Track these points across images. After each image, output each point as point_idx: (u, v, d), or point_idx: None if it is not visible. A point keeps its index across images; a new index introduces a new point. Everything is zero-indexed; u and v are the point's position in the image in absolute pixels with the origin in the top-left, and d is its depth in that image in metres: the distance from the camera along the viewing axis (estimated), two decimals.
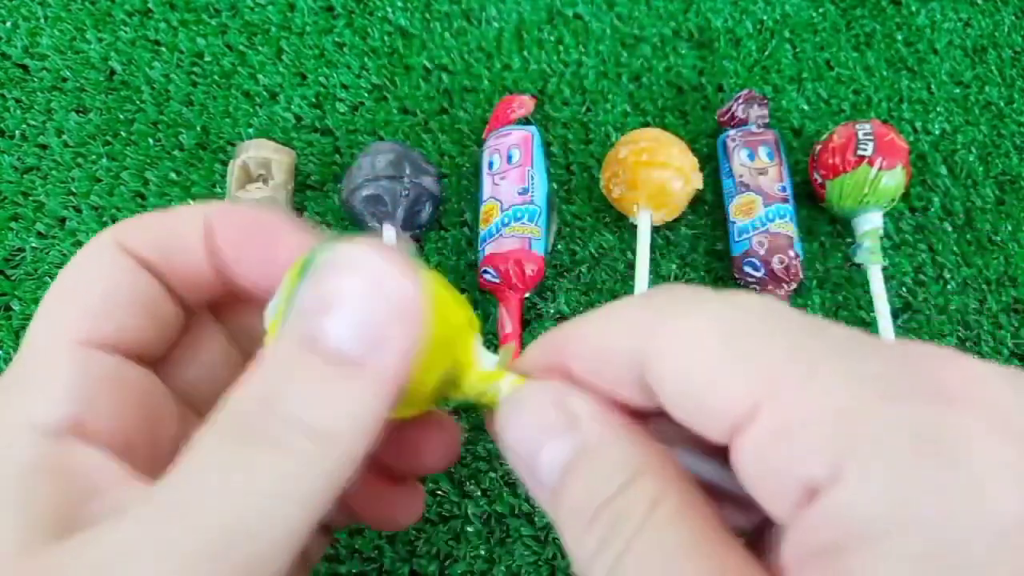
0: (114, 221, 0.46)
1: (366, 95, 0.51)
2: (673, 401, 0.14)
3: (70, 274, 0.17)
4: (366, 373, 0.14)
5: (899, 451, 0.11)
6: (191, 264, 0.18)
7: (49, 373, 0.16)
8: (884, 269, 0.45)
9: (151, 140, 0.49)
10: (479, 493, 0.39)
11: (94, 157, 0.48)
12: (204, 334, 0.20)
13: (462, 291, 0.45)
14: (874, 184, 0.44)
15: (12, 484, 0.14)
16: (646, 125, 0.51)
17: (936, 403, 0.12)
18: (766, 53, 0.54)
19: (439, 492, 0.39)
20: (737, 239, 0.45)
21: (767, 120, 0.48)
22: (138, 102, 0.50)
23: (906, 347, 0.13)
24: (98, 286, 0.17)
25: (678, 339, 0.14)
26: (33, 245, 0.45)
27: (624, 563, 0.13)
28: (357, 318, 0.14)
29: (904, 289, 0.46)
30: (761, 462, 0.13)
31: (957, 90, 0.54)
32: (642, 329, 0.14)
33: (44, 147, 0.48)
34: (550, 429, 0.15)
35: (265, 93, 0.51)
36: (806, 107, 0.52)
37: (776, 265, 0.43)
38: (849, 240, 0.47)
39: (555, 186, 0.49)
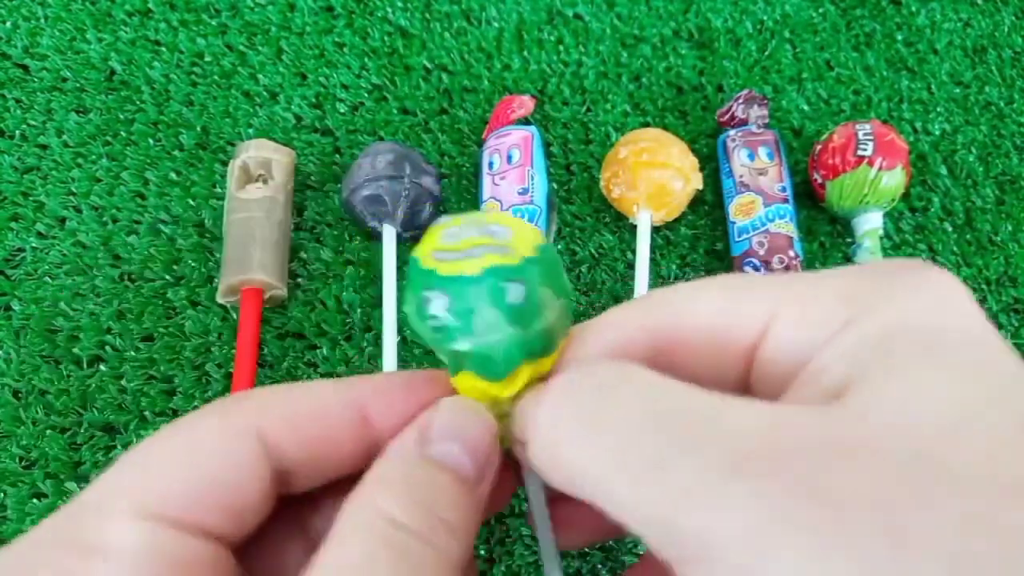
0: (114, 221, 0.46)
1: (366, 95, 0.51)
2: (701, 340, 0.17)
3: (182, 442, 0.16)
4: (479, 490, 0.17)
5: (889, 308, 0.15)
6: (335, 452, 0.18)
7: (113, 542, 0.15)
8: None
9: (151, 140, 0.49)
10: None
11: (94, 157, 0.48)
12: (284, 518, 0.19)
13: None
14: (874, 184, 0.44)
15: None
16: (646, 125, 0.51)
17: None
18: (766, 53, 0.54)
19: None
20: (737, 239, 0.45)
21: (767, 120, 0.48)
22: (138, 102, 0.50)
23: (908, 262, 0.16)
24: (207, 469, 0.16)
25: (693, 299, 0.17)
26: (33, 245, 0.45)
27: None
28: (476, 452, 0.17)
29: None
30: (779, 351, 0.16)
31: (957, 90, 0.54)
32: (664, 300, 0.18)
33: (44, 147, 0.48)
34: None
35: (265, 93, 0.51)
36: (806, 107, 0.52)
37: (776, 265, 0.43)
38: (849, 240, 0.47)
39: (555, 186, 0.49)
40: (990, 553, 0.11)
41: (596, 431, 0.15)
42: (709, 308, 0.16)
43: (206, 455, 0.16)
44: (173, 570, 0.15)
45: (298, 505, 0.19)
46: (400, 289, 0.43)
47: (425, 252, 0.18)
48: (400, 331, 0.43)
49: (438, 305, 0.17)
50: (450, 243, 0.17)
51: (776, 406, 0.14)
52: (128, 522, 0.15)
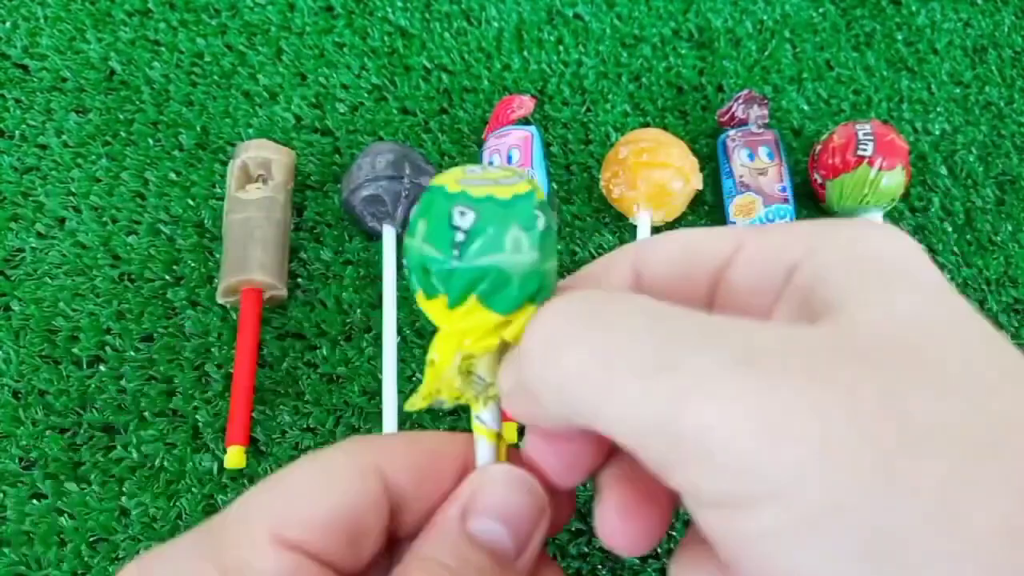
0: (114, 221, 0.46)
1: (366, 95, 0.51)
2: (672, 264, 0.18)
3: (314, 471, 0.17)
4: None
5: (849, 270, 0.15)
6: (437, 499, 0.18)
7: (256, 564, 0.16)
8: None
9: (151, 140, 0.49)
10: None
11: (94, 157, 0.48)
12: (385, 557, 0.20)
13: None
14: (874, 184, 0.44)
15: None
16: (646, 125, 0.51)
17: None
18: (766, 53, 0.54)
19: None
20: None
21: (767, 120, 0.48)
22: (138, 102, 0.50)
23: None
24: (335, 500, 0.17)
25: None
26: (33, 245, 0.45)
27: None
28: (519, 529, 0.18)
29: None
30: (751, 270, 0.17)
31: (957, 90, 0.54)
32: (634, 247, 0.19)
33: (44, 147, 0.48)
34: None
35: (265, 93, 0.51)
36: (806, 107, 0.52)
37: None
38: None
39: (555, 186, 0.49)
40: (987, 438, 0.12)
41: (601, 329, 0.15)
42: (676, 245, 0.18)
43: (340, 490, 0.17)
44: None
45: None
46: (400, 289, 0.43)
47: (450, 180, 0.18)
48: (400, 331, 0.43)
49: (468, 219, 0.17)
50: (476, 174, 0.18)
51: (772, 322, 0.15)
52: (269, 547, 0.16)
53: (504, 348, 0.18)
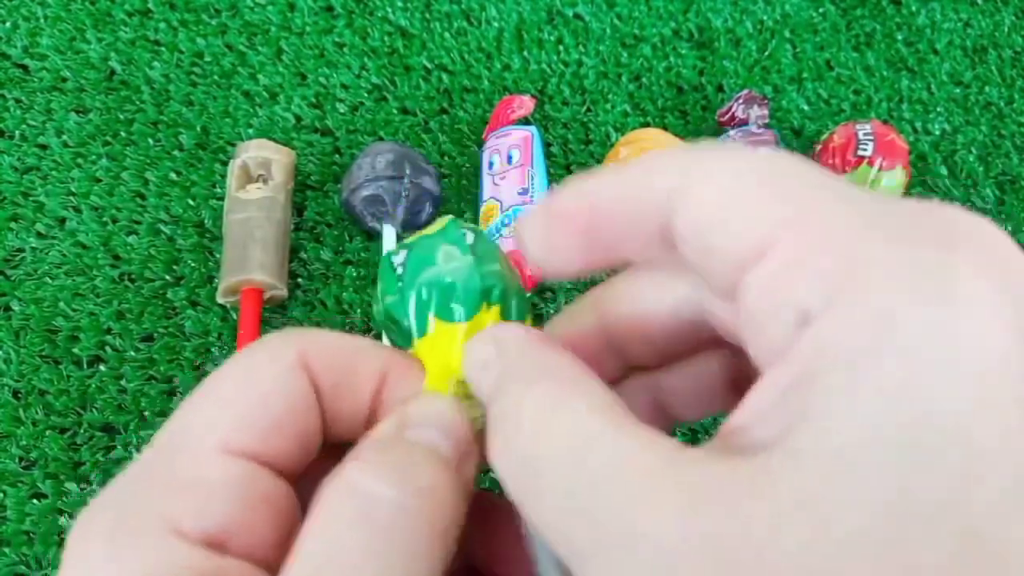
0: (114, 221, 0.46)
1: (366, 95, 0.51)
2: (689, 243, 0.14)
3: (243, 376, 0.17)
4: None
5: (891, 286, 0.12)
6: (352, 404, 0.18)
7: (200, 479, 0.15)
8: None
9: (151, 140, 0.49)
10: None
11: (94, 157, 0.48)
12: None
13: None
14: (874, 184, 0.44)
15: None
16: (646, 125, 0.51)
17: (939, 247, 0.12)
18: (766, 53, 0.54)
19: None
20: None
21: (767, 120, 0.48)
22: (138, 102, 0.50)
23: (925, 203, 0.13)
24: (271, 402, 0.16)
25: (704, 180, 0.14)
26: (33, 245, 0.45)
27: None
28: (456, 437, 0.17)
29: None
30: (762, 297, 0.13)
31: (957, 90, 0.54)
32: (674, 171, 0.15)
33: (44, 147, 0.48)
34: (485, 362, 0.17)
35: (265, 93, 0.51)
36: (806, 107, 0.52)
37: None
38: None
39: (555, 186, 0.49)
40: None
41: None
42: (709, 203, 0.14)
43: (269, 390, 0.16)
44: (261, 504, 0.16)
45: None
46: None
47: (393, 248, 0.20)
48: None
49: (403, 255, 0.18)
50: (412, 237, 0.20)
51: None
52: (215, 458, 0.15)
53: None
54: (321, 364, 0.17)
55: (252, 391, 0.16)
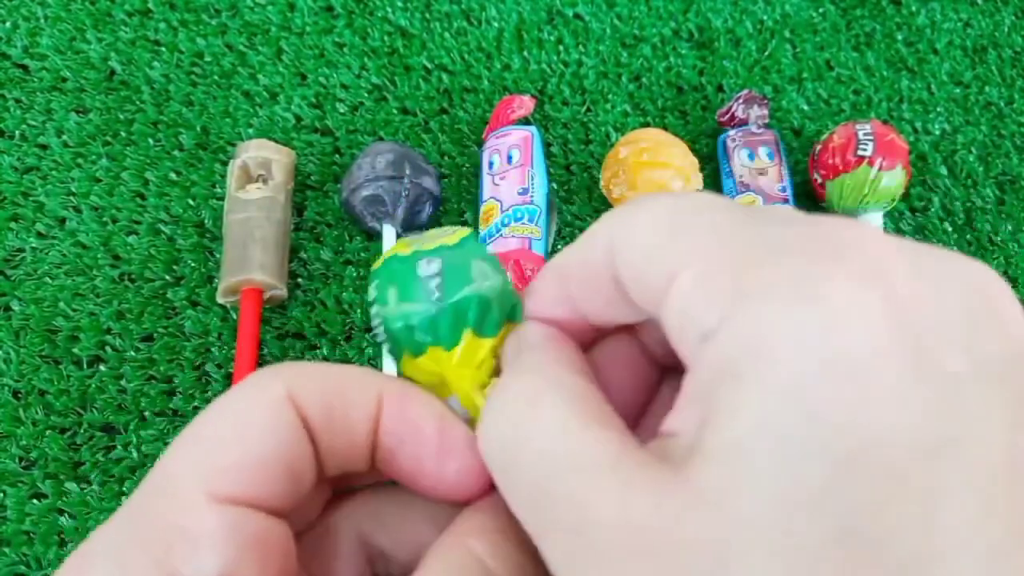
0: (114, 221, 0.46)
1: (366, 95, 0.51)
2: (630, 287, 0.16)
3: (229, 419, 0.17)
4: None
5: (770, 298, 0.13)
6: (348, 437, 0.18)
7: (191, 528, 0.15)
8: None
9: (151, 140, 0.49)
10: None
11: (94, 157, 0.48)
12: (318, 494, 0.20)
13: None
14: (874, 184, 0.44)
15: None
16: (646, 125, 0.51)
17: (816, 259, 0.13)
18: (766, 53, 0.54)
19: None
20: None
21: (767, 120, 0.48)
22: (138, 102, 0.50)
23: (815, 219, 0.14)
24: (258, 444, 0.16)
25: (628, 235, 0.16)
26: (33, 245, 0.45)
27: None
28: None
29: None
30: (672, 320, 0.14)
31: (957, 90, 0.54)
32: (606, 234, 0.17)
33: (44, 147, 0.48)
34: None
35: (265, 93, 0.51)
36: (806, 107, 0.52)
37: None
38: None
39: (555, 186, 0.49)
40: None
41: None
42: (638, 247, 0.16)
43: (256, 432, 0.16)
44: (254, 550, 0.16)
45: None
46: None
47: (397, 249, 0.19)
48: None
49: (434, 266, 0.19)
50: (415, 238, 0.20)
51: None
52: (206, 506, 0.15)
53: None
54: (310, 399, 0.17)
55: (238, 434, 0.16)
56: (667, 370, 0.19)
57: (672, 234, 0.15)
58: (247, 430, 0.16)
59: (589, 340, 0.19)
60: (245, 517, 0.16)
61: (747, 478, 0.12)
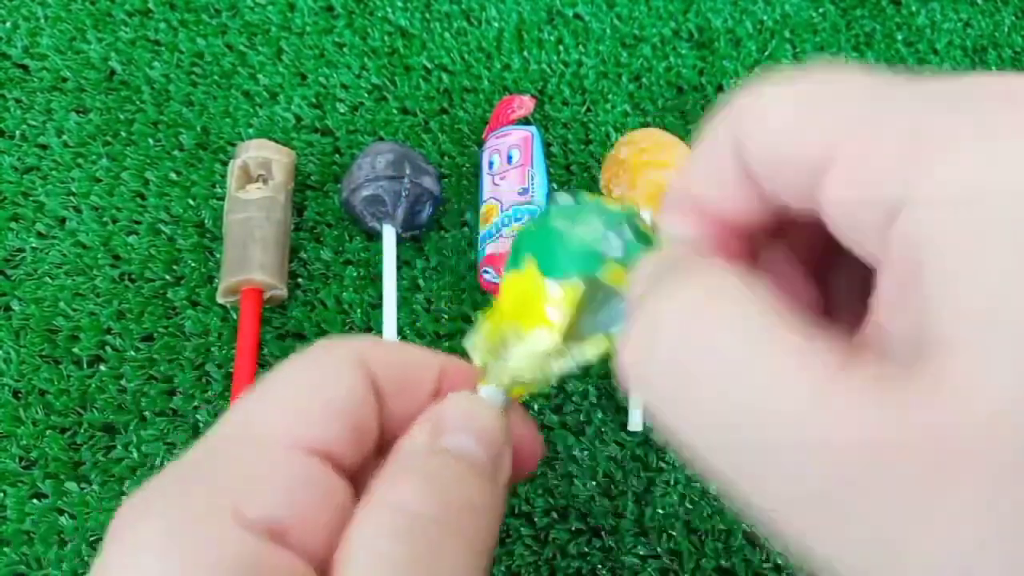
0: (114, 221, 0.46)
1: (366, 95, 0.51)
2: (765, 171, 0.14)
3: (306, 375, 0.17)
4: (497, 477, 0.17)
5: (962, 155, 0.11)
6: (411, 404, 0.18)
7: (267, 471, 0.15)
8: None
9: (151, 140, 0.49)
10: None
11: (94, 157, 0.48)
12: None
13: (462, 291, 0.45)
14: None
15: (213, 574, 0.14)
16: (646, 125, 0.51)
17: (998, 105, 0.11)
18: (766, 53, 0.54)
19: None
20: None
21: None
22: (138, 102, 0.50)
23: (978, 75, 0.13)
24: (334, 399, 0.16)
25: (760, 108, 0.14)
26: (33, 245, 0.45)
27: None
28: (489, 443, 0.17)
29: None
30: (842, 204, 0.13)
31: None
32: (732, 112, 0.15)
33: (44, 147, 0.48)
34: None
35: (265, 93, 0.51)
36: None
37: None
38: None
39: (555, 186, 0.49)
40: None
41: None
42: (771, 131, 0.14)
43: (332, 387, 0.17)
44: (323, 499, 0.16)
45: None
46: (400, 289, 0.43)
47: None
48: (400, 331, 0.43)
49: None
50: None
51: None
52: (286, 454, 0.16)
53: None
54: (380, 364, 0.17)
55: (316, 388, 0.17)
56: (819, 272, 0.17)
57: (812, 110, 0.13)
58: (325, 386, 0.17)
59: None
60: (319, 468, 0.16)
61: (997, 364, 0.10)
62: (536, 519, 0.39)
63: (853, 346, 0.12)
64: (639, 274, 0.16)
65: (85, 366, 0.42)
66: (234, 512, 0.14)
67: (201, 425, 0.41)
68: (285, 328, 0.44)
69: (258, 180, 0.45)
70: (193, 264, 0.45)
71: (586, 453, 0.40)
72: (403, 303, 0.43)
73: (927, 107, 0.12)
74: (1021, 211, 0.10)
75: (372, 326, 0.44)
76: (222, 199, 0.47)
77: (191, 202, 0.47)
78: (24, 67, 0.51)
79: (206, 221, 0.46)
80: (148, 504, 0.15)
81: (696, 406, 0.13)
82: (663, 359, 0.13)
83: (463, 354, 0.20)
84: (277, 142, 0.47)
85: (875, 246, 0.12)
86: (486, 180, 0.46)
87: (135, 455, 0.40)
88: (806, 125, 0.13)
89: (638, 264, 0.17)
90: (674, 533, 0.39)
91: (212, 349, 0.43)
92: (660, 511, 0.39)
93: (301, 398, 0.16)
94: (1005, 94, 0.11)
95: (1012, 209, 0.10)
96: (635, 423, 0.41)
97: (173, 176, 0.48)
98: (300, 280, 0.45)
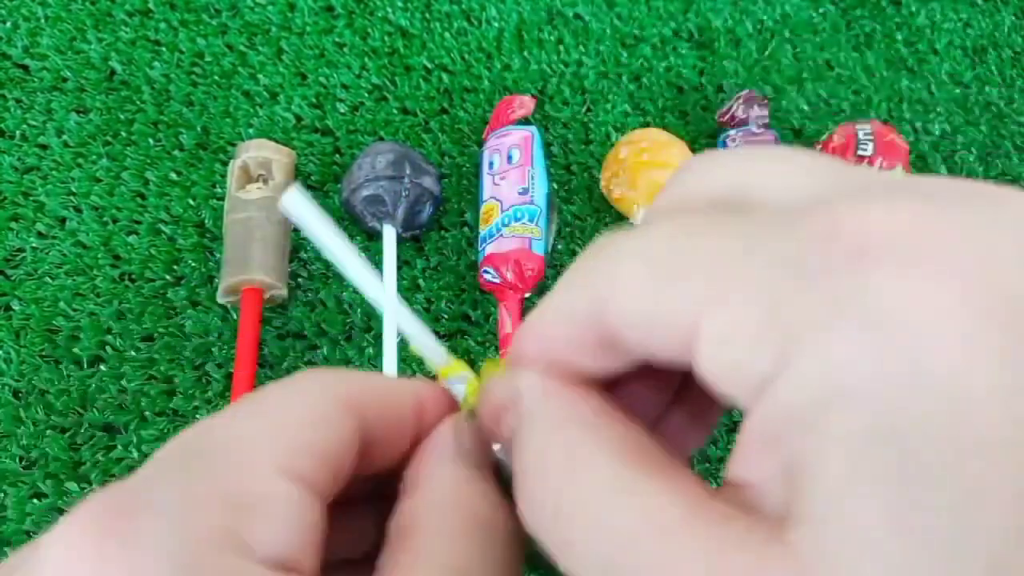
0: (114, 221, 0.46)
1: (366, 95, 0.51)
2: (633, 342, 0.14)
3: (297, 403, 0.17)
4: None
5: (825, 328, 0.11)
6: (396, 439, 0.18)
7: (265, 499, 0.15)
8: None
9: (151, 140, 0.49)
10: None
11: (94, 157, 0.48)
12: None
13: (461, 291, 0.45)
14: None
15: None
16: (646, 125, 0.51)
17: (850, 270, 0.11)
18: (766, 53, 0.54)
19: None
20: None
21: (767, 120, 0.48)
22: (138, 102, 0.50)
23: (821, 214, 0.12)
24: (324, 431, 0.16)
25: (614, 284, 0.14)
26: (33, 245, 0.45)
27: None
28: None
29: None
30: (714, 369, 0.13)
31: (957, 90, 0.54)
32: (592, 280, 0.15)
33: (44, 147, 0.48)
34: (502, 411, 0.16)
35: (265, 93, 0.51)
36: (806, 107, 0.52)
37: None
38: None
39: (555, 186, 0.49)
40: None
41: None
42: (635, 298, 0.14)
43: (328, 423, 0.17)
44: (313, 530, 0.16)
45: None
46: (401, 289, 0.43)
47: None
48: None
49: None
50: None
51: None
52: (274, 476, 0.15)
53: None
54: (371, 413, 0.18)
55: (313, 421, 0.16)
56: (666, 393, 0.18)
57: (672, 274, 0.13)
58: (315, 418, 0.17)
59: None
60: (309, 498, 0.16)
61: (858, 541, 0.10)
62: None
63: (710, 493, 0.13)
64: (494, 399, 0.17)
65: (85, 366, 0.42)
66: (246, 547, 0.14)
67: None
68: (285, 328, 0.44)
69: (258, 180, 0.45)
70: (193, 264, 0.45)
71: None
72: (403, 303, 0.44)
73: (784, 278, 0.12)
74: (871, 412, 0.11)
75: (372, 326, 0.44)
76: (222, 199, 0.47)
77: (191, 202, 0.47)
78: (24, 67, 0.51)
79: (206, 221, 0.46)
80: (137, 532, 0.14)
81: (584, 569, 0.13)
82: (543, 524, 0.14)
83: (462, 355, 0.20)
84: (277, 142, 0.47)
85: (745, 404, 0.13)
86: (486, 180, 0.46)
87: (135, 455, 0.40)
88: (666, 292, 0.13)
89: (488, 386, 0.17)
90: None
91: (212, 349, 0.43)
92: None
93: (293, 428, 0.16)
94: (858, 252, 0.11)
95: (867, 408, 0.11)
96: None
97: (173, 176, 0.48)
98: (300, 280, 0.45)
